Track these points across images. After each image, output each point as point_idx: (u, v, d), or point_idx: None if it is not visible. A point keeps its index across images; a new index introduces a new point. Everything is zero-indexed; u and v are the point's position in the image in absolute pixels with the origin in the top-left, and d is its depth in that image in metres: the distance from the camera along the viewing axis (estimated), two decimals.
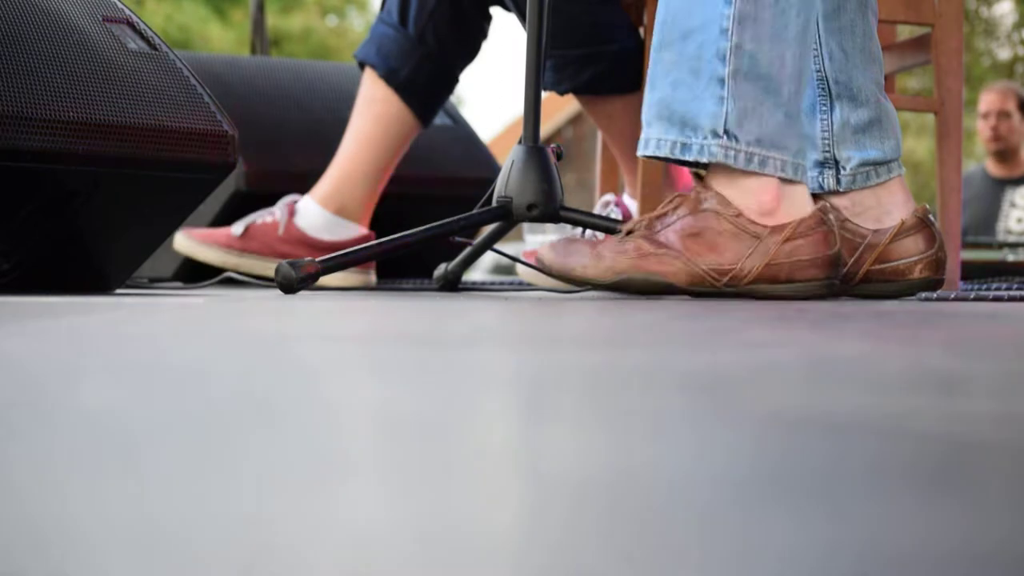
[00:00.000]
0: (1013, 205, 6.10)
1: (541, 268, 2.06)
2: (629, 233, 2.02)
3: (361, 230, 2.80)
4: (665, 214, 2.01)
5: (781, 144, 1.98)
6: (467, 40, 2.80)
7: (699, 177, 2.04)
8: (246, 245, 2.81)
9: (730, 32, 1.96)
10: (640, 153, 2.05)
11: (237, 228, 2.82)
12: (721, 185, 1.99)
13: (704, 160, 1.98)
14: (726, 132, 1.97)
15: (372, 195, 2.80)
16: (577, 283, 2.02)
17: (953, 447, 0.51)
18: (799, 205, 2.00)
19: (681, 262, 1.98)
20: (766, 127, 1.98)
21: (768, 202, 1.98)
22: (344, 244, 2.73)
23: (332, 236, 2.78)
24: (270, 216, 2.82)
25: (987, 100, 6.20)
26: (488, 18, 2.81)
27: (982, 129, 6.16)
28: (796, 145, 2.00)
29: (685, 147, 1.99)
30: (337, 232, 2.79)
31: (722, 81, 1.97)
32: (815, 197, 2.09)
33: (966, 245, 4.20)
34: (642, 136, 2.04)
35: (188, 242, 2.83)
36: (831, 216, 2.02)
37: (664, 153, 2.01)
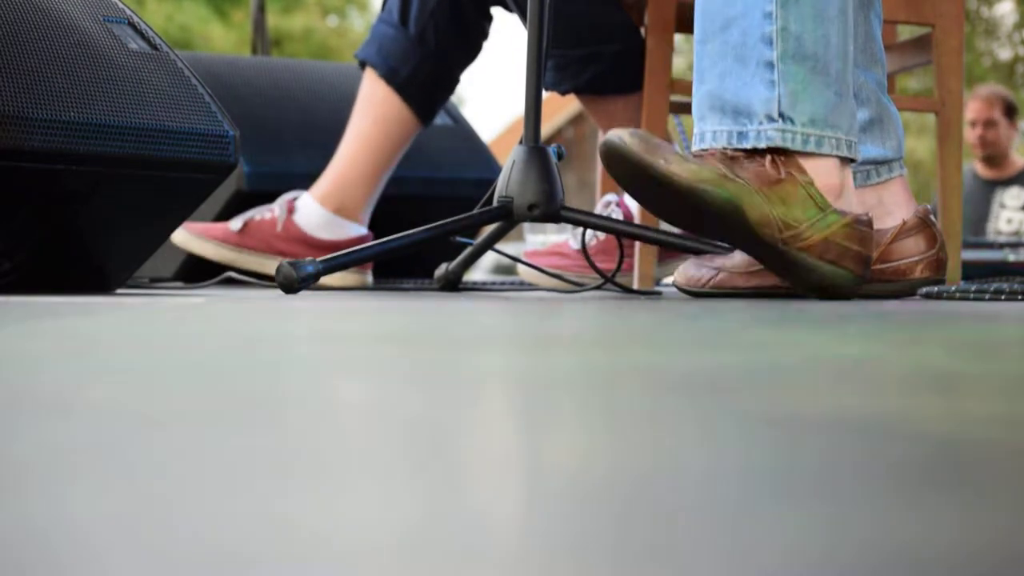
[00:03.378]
0: (1003, 206, 6.11)
1: (621, 150, 1.99)
2: (702, 156, 1.98)
3: (360, 229, 2.80)
4: (741, 158, 1.98)
5: (835, 123, 1.98)
6: (468, 40, 2.80)
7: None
8: (244, 241, 2.81)
9: (774, 15, 1.96)
10: (696, 147, 2.03)
11: (235, 223, 2.82)
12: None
13: (762, 146, 1.97)
14: (781, 115, 1.96)
15: (371, 195, 2.81)
16: (654, 176, 1.96)
17: (953, 447, 0.51)
18: (852, 197, 2.01)
19: (760, 197, 1.96)
20: (818, 107, 1.97)
21: (835, 184, 1.98)
22: (342, 243, 2.73)
23: (330, 235, 2.78)
24: (269, 213, 2.82)
25: (973, 108, 6.20)
26: (489, 18, 2.81)
27: (969, 136, 6.16)
28: (848, 122, 2.00)
29: (741, 135, 1.98)
30: (335, 231, 2.79)
31: (771, 65, 1.96)
32: None
33: (967, 245, 4.20)
34: (695, 130, 2.03)
35: (186, 236, 2.83)
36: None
37: (721, 144, 1.99)
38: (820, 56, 1.97)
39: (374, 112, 2.77)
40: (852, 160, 2.01)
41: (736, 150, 1.98)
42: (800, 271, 1.97)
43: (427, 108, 2.79)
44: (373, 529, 0.35)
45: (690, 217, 2.00)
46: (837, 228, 1.96)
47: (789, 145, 1.96)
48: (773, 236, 1.96)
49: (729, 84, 1.98)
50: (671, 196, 1.96)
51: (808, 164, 1.98)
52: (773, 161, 1.97)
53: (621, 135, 1.98)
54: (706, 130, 2.00)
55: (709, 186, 1.95)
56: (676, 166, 1.95)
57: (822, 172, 1.98)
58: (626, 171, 1.98)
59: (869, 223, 1.99)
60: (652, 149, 1.97)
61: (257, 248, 2.81)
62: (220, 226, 2.83)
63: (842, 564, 0.32)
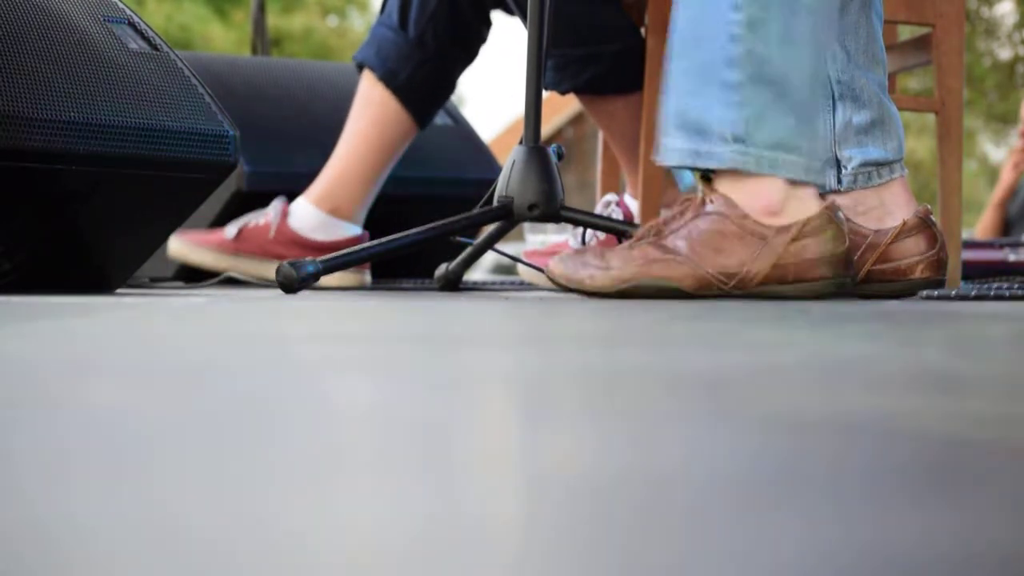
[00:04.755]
0: None
1: (552, 280, 2.05)
2: (639, 241, 2.02)
3: (355, 230, 2.80)
4: (672, 219, 2.01)
5: (794, 146, 1.98)
6: (466, 44, 2.80)
7: (707, 180, 2.03)
8: (240, 247, 2.81)
9: (740, 37, 1.96)
10: (658, 162, 2.05)
11: (230, 230, 2.82)
12: (727, 187, 1.99)
13: (716, 166, 1.98)
14: (737, 137, 1.97)
15: (367, 196, 2.81)
16: (588, 294, 2.02)
17: (954, 447, 0.51)
18: (807, 205, 2.00)
19: (688, 267, 1.97)
20: (779, 130, 1.98)
21: (774, 203, 1.98)
22: (338, 244, 2.73)
23: (326, 236, 2.78)
24: (263, 218, 2.82)
25: None
26: (488, 23, 2.81)
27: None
28: (808, 147, 2.00)
29: (697, 154, 1.99)
30: (331, 232, 2.79)
31: (733, 87, 1.97)
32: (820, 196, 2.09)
33: (967, 245, 4.20)
34: (660, 145, 2.04)
35: (182, 246, 2.83)
36: (839, 214, 2.01)
37: (678, 162, 2.01)
38: (785, 80, 1.98)
39: (371, 114, 2.77)
40: (809, 183, 2.00)
41: (669, 210, 2.02)
42: (767, 299, 1.98)
43: (424, 111, 2.79)
44: (374, 528, 0.35)
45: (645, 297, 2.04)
46: (784, 248, 1.97)
47: (742, 167, 1.97)
48: (723, 289, 1.97)
49: (694, 103, 2.00)
50: (616, 297, 2.01)
51: (744, 187, 1.98)
52: (702, 207, 1.98)
53: (550, 265, 2.04)
54: (669, 146, 2.03)
55: (634, 283, 1.98)
56: (600, 278, 1.99)
57: (762, 193, 1.98)
58: (570, 291, 2.04)
59: (828, 220, 1.99)
60: (577, 266, 2.01)
61: (253, 253, 2.81)
62: (215, 234, 2.83)
63: (842, 563, 0.32)
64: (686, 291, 1.98)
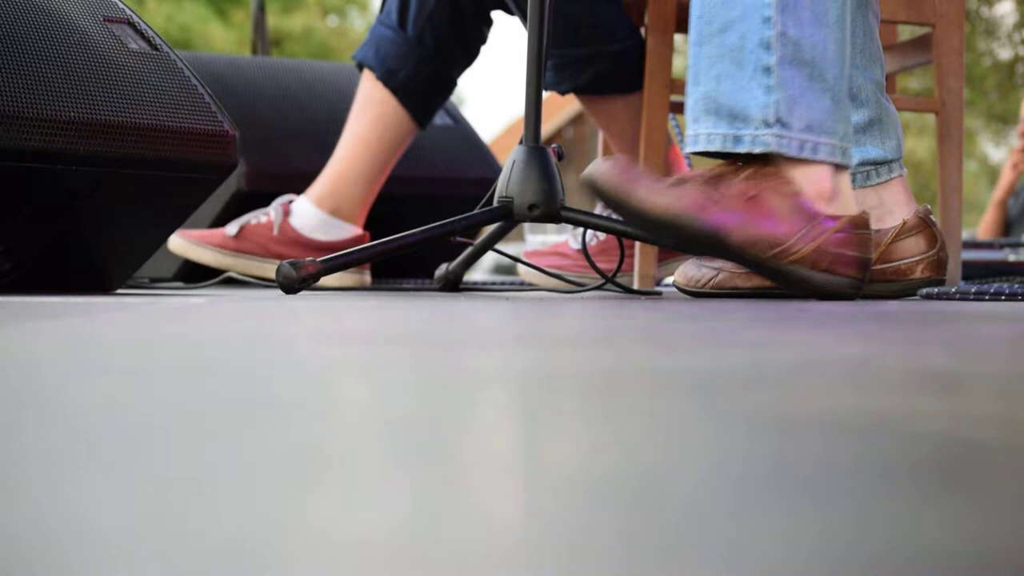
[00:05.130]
0: None
1: (595, 185, 1.99)
2: (687, 180, 1.97)
3: (356, 230, 2.80)
4: (724, 174, 1.97)
5: (831, 129, 1.97)
6: (466, 44, 2.80)
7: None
8: (240, 246, 2.81)
9: (773, 20, 1.95)
10: (689, 150, 2.02)
11: (231, 229, 2.82)
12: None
13: (757, 151, 1.96)
14: (778, 121, 1.95)
15: (367, 196, 2.81)
16: (629, 210, 1.97)
17: (953, 447, 0.51)
18: (849, 200, 1.99)
19: (743, 218, 1.95)
20: (815, 113, 1.97)
21: (827, 189, 1.97)
22: (339, 244, 2.73)
23: (327, 236, 2.78)
24: (264, 216, 2.82)
25: None
26: (488, 23, 2.81)
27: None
28: (844, 129, 1.99)
29: (737, 139, 1.97)
30: (332, 232, 2.79)
31: (768, 70, 1.96)
32: None
33: (967, 245, 4.20)
34: (688, 132, 2.02)
35: (183, 243, 2.83)
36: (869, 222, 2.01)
37: (715, 147, 1.99)
38: (818, 62, 1.96)
39: (371, 114, 2.77)
40: (847, 166, 2.00)
41: (724, 164, 1.98)
42: (794, 282, 1.97)
43: (424, 111, 2.79)
44: (374, 530, 0.35)
45: (677, 243, 2.00)
46: (828, 236, 1.96)
47: (785, 151, 1.95)
48: (760, 255, 1.95)
49: (726, 87, 1.98)
50: (650, 227, 1.96)
51: (798, 171, 1.97)
52: (758, 173, 1.96)
53: (599, 167, 1.99)
54: (700, 132, 2.00)
55: (686, 218, 1.95)
56: (652, 198, 1.95)
57: (813, 178, 1.97)
58: (605, 202, 2.00)
59: (866, 224, 1.99)
60: (628, 181, 1.97)
61: (254, 252, 2.81)
62: (216, 232, 2.84)
63: (842, 564, 0.32)
64: (729, 244, 1.95)
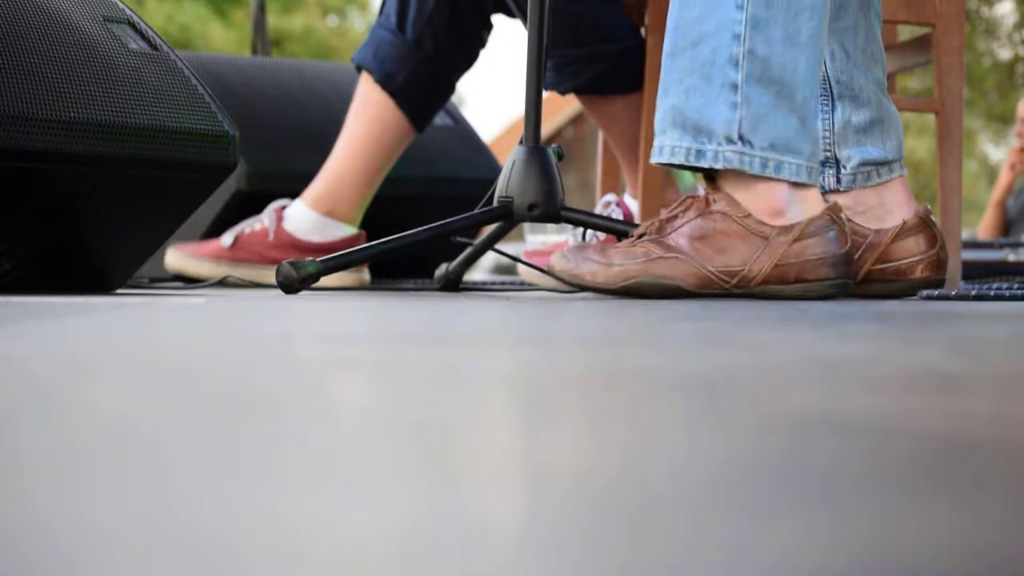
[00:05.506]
0: None
1: (553, 275, 2.06)
2: (640, 237, 2.02)
3: (352, 230, 2.80)
4: (675, 217, 2.01)
5: (795, 148, 1.98)
6: (465, 47, 2.80)
7: (710, 180, 2.03)
8: (237, 255, 2.81)
9: (743, 37, 1.96)
10: (654, 160, 2.04)
11: (226, 239, 2.82)
12: (732, 188, 1.99)
13: (719, 166, 1.98)
14: (740, 138, 1.97)
15: (364, 197, 2.81)
16: (591, 289, 2.03)
17: (953, 447, 0.51)
18: (810, 206, 2.00)
19: (690, 265, 1.97)
20: (780, 132, 1.97)
21: (778, 204, 1.98)
22: (335, 245, 2.73)
23: (322, 238, 2.78)
24: (259, 224, 2.82)
25: (1021, 106, 6.17)
26: (488, 26, 2.81)
27: (1020, 132, 6.13)
28: (810, 149, 2.00)
29: (700, 153, 1.99)
30: (327, 233, 2.79)
31: (735, 86, 1.97)
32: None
33: (967, 245, 4.20)
34: (655, 143, 2.04)
35: (179, 258, 2.84)
36: (841, 215, 2.01)
37: (679, 160, 2.00)
38: (786, 81, 1.97)
39: (368, 116, 2.77)
40: (810, 185, 2.00)
41: (672, 207, 2.02)
42: (768, 299, 1.98)
43: (422, 114, 2.79)
44: (374, 530, 0.35)
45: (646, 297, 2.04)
46: (785, 249, 1.96)
47: (746, 168, 1.97)
48: (724, 288, 1.97)
49: (693, 101, 1.99)
50: (617, 295, 2.01)
51: (747, 188, 1.98)
52: (707, 205, 1.98)
53: (552, 260, 2.06)
54: (665, 144, 2.02)
55: (636, 281, 1.98)
56: (602, 274, 2.01)
57: (764, 196, 1.98)
58: (570, 286, 2.06)
59: (831, 220, 1.98)
60: (579, 261, 2.02)
61: (251, 260, 2.81)
62: (212, 244, 2.84)
63: (842, 564, 0.32)
64: (687, 289, 1.98)
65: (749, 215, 1.98)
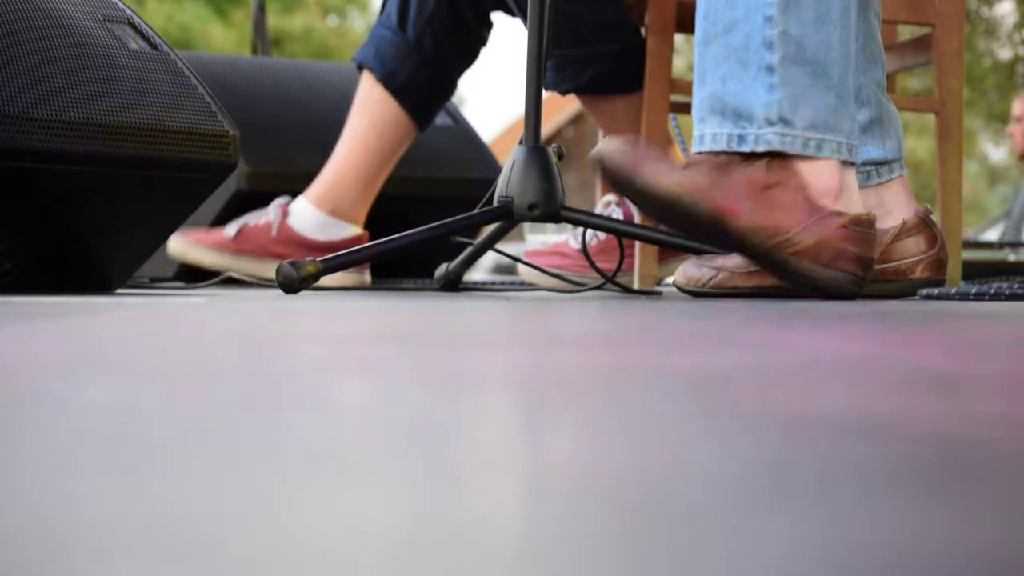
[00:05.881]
0: None
1: (601, 162, 2.00)
2: (695, 164, 1.98)
3: (355, 230, 2.80)
4: (732, 163, 1.98)
5: (835, 126, 1.98)
6: (465, 46, 2.80)
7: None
8: (240, 247, 2.81)
9: (774, 19, 1.96)
10: (695, 149, 2.03)
11: (230, 230, 2.82)
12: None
13: (761, 149, 1.97)
14: (781, 119, 1.96)
15: (366, 196, 2.81)
16: (639, 188, 1.98)
17: (953, 447, 0.51)
18: (854, 198, 2.00)
19: (748, 205, 1.95)
20: (819, 111, 1.97)
21: (834, 186, 1.98)
22: (338, 244, 2.73)
23: (326, 236, 2.79)
24: (263, 217, 2.82)
25: (1016, 105, 6.19)
26: (488, 25, 2.81)
27: (1012, 132, 6.15)
28: (849, 126, 2.00)
29: (741, 139, 1.98)
30: (331, 232, 2.79)
31: (771, 68, 1.96)
32: None
33: (967, 245, 4.20)
34: (695, 132, 2.03)
35: (182, 245, 2.84)
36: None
37: (720, 147, 1.99)
38: (821, 60, 1.97)
39: (370, 115, 2.77)
40: (853, 163, 2.00)
41: (730, 155, 1.98)
42: (795, 275, 1.97)
43: (423, 113, 2.79)
44: (373, 530, 0.35)
45: (681, 224, 2.01)
46: (832, 231, 1.96)
47: (788, 149, 1.96)
48: (763, 244, 1.96)
49: (730, 87, 1.98)
50: (655, 206, 1.97)
51: (805, 167, 1.97)
52: (768, 166, 1.97)
53: (608, 145, 2.00)
54: (706, 132, 2.00)
55: (689, 198, 1.95)
56: (658, 177, 1.96)
57: (820, 174, 1.97)
58: (612, 180, 2.00)
59: (870, 224, 1.99)
60: (638, 160, 1.97)
61: (254, 253, 2.81)
62: (215, 233, 2.84)
63: (842, 565, 0.32)
64: (734, 229, 1.95)
65: (807, 187, 1.97)
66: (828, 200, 1.97)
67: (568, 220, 2.20)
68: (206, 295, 2.16)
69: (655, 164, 1.97)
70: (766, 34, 1.96)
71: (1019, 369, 0.92)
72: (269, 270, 2.73)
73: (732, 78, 1.98)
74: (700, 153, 2.02)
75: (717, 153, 2.00)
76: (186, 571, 0.30)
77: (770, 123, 1.96)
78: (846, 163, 1.99)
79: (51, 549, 0.32)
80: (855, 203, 1.99)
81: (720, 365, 0.86)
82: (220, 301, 1.89)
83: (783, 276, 1.99)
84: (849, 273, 1.97)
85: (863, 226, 1.98)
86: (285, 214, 2.81)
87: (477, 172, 3.28)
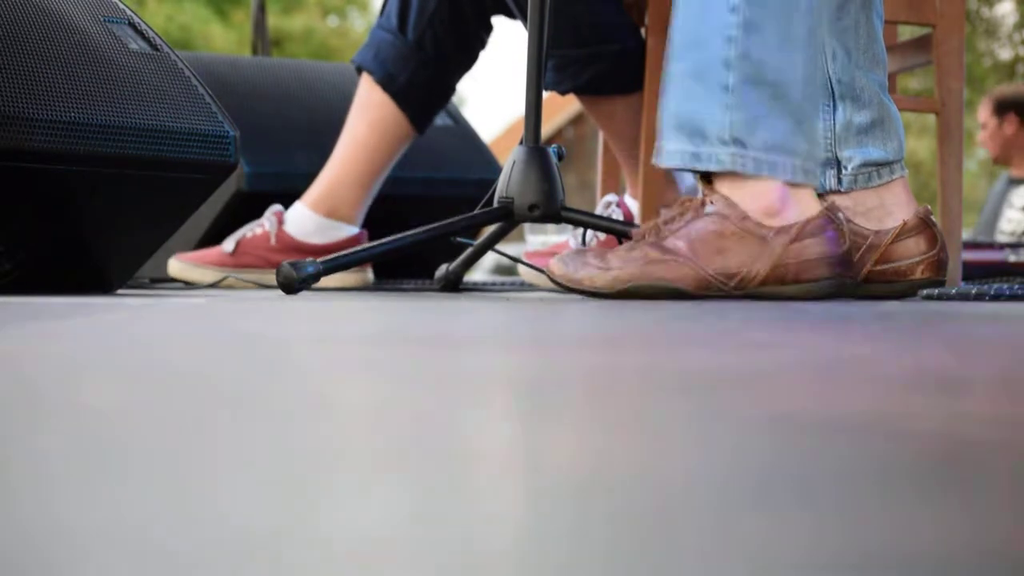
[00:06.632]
0: (1010, 205, 6.12)
1: (552, 280, 2.05)
2: (639, 240, 2.02)
3: (353, 231, 2.80)
4: (672, 219, 2.01)
5: (791, 149, 1.99)
6: (465, 48, 2.80)
7: (707, 181, 2.04)
8: (239, 261, 2.82)
9: (735, 39, 1.97)
10: (655, 163, 2.05)
11: (228, 245, 2.83)
12: (727, 188, 2.00)
13: (714, 168, 1.99)
14: (734, 140, 1.97)
15: (364, 198, 2.81)
16: (588, 294, 2.02)
17: (954, 447, 0.51)
18: (806, 206, 2.00)
19: (689, 267, 1.98)
20: (776, 133, 1.98)
21: (774, 204, 1.99)
22: (337, 246, 2.73)
23: (324, 239, 2.79)
24: (259, 228, 2.83)
25: (980, 112, 6.23)
26: (488, 28, 2.81)
27: (983, 141, 6.19)
28: (806, 148, 2.01)
29: (696, 156, 2.00)
30: (328, 234, 2.79)
31: (727, 88, 1.98)
32: (818, 196, 2.09)
33: (968, 246, 4.20)
34: (656, 146, 2.05)
35: (181, 266, 2.84)
36: (839, 215, 2.02)
37: (677, 164, 2.02)
38: (781, 83, 1.98)
39: (369, 117, 2.77)
40: (807, 184, 2.01)
41: (670, 208, 2.02)
42: (768, 300, 1.98)
43: (422, 115, 2.79)
44: (373, 529, 0.35)
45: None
46: (783, 249, 1.97)
47: (740, 169, 1.98)
48: (724, 290, 1.98)
49: (690, 105, 2.00)
50: (618, 298, 2.00)
51: (743, 188, 1.98)
52: (702, 207, 1.99)
53: (551, 265, 2.05)
54: (665, 148, 2.03)
55: (635, 284, 1.98)
56: (600, 279, 1.99)
57: (758, 194, 1.99)
58: (569, 291, 2.04)
59: (828, 218, 1.99)
60: (577, 266, 2.01)
61: (254, 265, 2.81)
62: (213, 251, 2.84)
63: (842, 563, 0.32)
64: (686, 291, 1.99)
65: (747, 216, 1.98)
66: (769, 219, 1.98)
67: (568, 221, 2.20)
68: (206, 295, 2.16)
69: (589, 269, 2.00)
70: (726, 54, 1.98)
71: (1019, 369, 0.92)
72: (271, 279, 2.73)
73: (692, 96, 2.00)
74: (661, 166, 2.03)
75: (661, 212, 2.03)
76: (186, 572, 0.30)
77: (723, 143, 1.98)
78: (796, 185, 2.00)
79: (46, 551, 0.32)
80: (804, 209, 2.00)
81: (720, 365, 0.86)
82: (220, 301, 1.89)
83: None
84: (819, 279, 1.98)
85: (817, 228, 1.98)
86: (281, 222, 2.81)
87: (477, 172, 3.28)
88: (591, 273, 2.01)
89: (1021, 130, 6.13)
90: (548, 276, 2.07)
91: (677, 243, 1.99)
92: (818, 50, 2.02)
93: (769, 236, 1.97)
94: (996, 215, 6.10)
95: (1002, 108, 6.11)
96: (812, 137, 2.03)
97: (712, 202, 2.00)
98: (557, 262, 2.05)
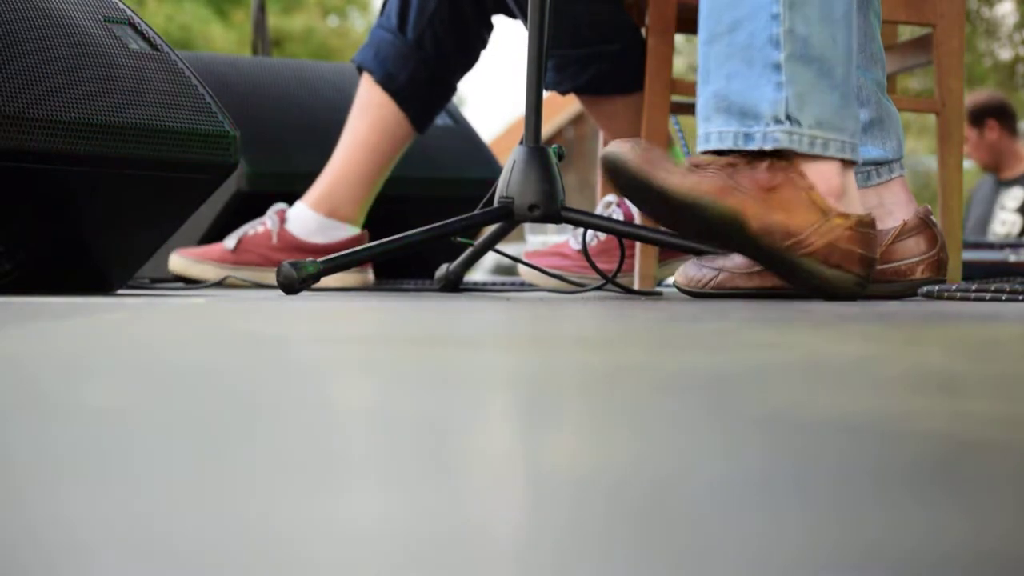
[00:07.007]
0: (1002, 207, 6.13)
1: (615, 165, 1.99)
2: (698, 168, 1.98)
3: (354, 230, 2.80)
4: (738, 164, 1.98)
5: (840, 126, 1.98)
6: (466, 48, 2.80)
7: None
8: (241, 258, 2.82)
9: (781, 17, 1.96)
10: (701, 148, 2.02)
11: (229, 242, 2.83)
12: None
13: (768, 147, 1.96)
14: (788, 117, 1.96)
15: (365, 198, 2.81)
16: (651, 191, 1.97)
17: (954, 447, 0.51)
18: (855, 198, 2.01)
19: (761, 206, 1.95)
20: (825, 109, 1.97)
21: (836, 186, 1.98)
22: (338, 245, 2.73)
23: (325, 239, 2.79)
24: (261, 226, 2.83)
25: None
26: (489, 27, 2.81)
27: (968, 155, 6.22)
28: (852, 126, 2.00)
29: (748, 136, 1.98)
30: (330, 234, 2.79)
31: (778, 67, 1.96)
32: None
33: (967, 246, 4.20)
34: (700, 131, 2.03)
35: (182, 262, 2.84)
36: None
37: (727, 145, 1.99)
38: (826, 58, 1.97)
39: (370, 117, 2.77)
40: (855, 163, 2.00)
41: (737, 155, 1.98)
42: (804, 276, 1.97)
43: (423, 115, 2.79)
44: (373, 531, 0.35)
45: (691, 228, 2.00)
46: (840, 232, 1.96)
47: (795, 147, 1.96)
48: (775, 245, 1.95)
49: (736, 85, 1.98)
50: (671, 208, 1.96)
51: (809, 168, 1.97)
52: (773, 167, 1.97)
53: (621, 147, 1.99)
54: (711, 131, 2.00)
55: (708, 199, 1.95)
56: (675, 179, 1.96)
57: (824, 175, 1.97)
58: (626, 183, 1.99)
59: (872, 224, 1.99)
60: (651, 161, 1.97)
61: (256, 263, 2.82)
62: (215, 247, 2.85)
63: (842, 564, 0.32)
64: (747, 230, 1.95)
65: (813, 187, 1.97)
66: (832, 200, 1.97)
67: (568, 221, 2.20)
68: (206, 295, 2.16)
69: (668, 167, 1.97)
70: (772, 32, 1.96)
71: (1019, 369, 0.92)
72: (272, 278, 2.73)
73: (737, 76, 1.98)
74: (704, 153, 2.01)
75: (720, 153, 2.00)
76: (186, 572, 0.30)
77: (777, 121, 1.96)
78: (847, 163, 1.99)
79: (45, 551, 0.32)
80: (855, 204, 2.00)
81: (720, 365, 0.86)
82: (220, 301, 1.89)
83: (790, 277, 1.99)
84: (855, 274, 1.97)
85: (866, 227, 1.98)
86: (283, 220, 2.81)
87: (477, 172, 3.28)
88: (667, 169, 1.96)
89: (1003, 133, 6.15)
90: (610, 160, 1.99)
91: (746, 183, 1.96)
92: (855, 27, 2.01)
93: (831, 214, 1.96)
94: (987, 217, 6.11)
95: (979, 116, 6.11)
96: (855, 114, 2.02)
97: (781, 168, 1.97)
98: (626, 147, 1.99)
